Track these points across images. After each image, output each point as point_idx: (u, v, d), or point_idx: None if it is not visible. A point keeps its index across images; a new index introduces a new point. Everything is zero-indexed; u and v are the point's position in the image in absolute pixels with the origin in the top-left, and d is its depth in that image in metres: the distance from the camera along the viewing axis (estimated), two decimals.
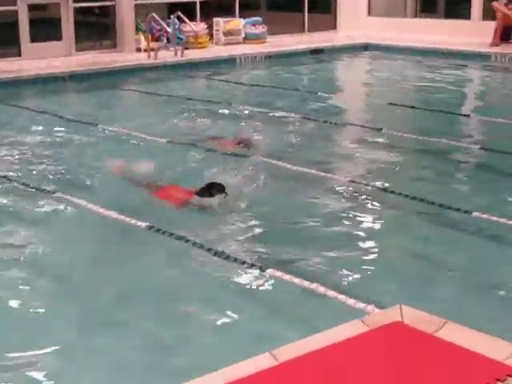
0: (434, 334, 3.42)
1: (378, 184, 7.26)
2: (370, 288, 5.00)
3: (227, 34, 17.64)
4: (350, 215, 6.46)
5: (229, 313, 4.71)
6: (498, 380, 3.02)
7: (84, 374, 4.04)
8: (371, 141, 9.22)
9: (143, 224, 6.09)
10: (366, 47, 18.07)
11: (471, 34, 17.61)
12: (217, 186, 6.51)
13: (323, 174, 7.58)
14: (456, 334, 3.44)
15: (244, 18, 18.15)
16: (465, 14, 18.65)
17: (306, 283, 4.95)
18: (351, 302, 4.66)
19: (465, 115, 10.95)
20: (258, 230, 6.11)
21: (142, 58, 15.40)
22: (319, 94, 12.61)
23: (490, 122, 10.42)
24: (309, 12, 19.86)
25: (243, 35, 17.85)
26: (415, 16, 20.55)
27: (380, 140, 9.24)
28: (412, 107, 11.32)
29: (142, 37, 16.16)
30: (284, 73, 15.44)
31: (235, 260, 5.40)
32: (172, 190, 6.87)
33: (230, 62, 15.96)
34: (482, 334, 3.47)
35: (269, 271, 5.19)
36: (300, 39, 18.73)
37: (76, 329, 4.52)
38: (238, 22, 17.84)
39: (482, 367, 3.14)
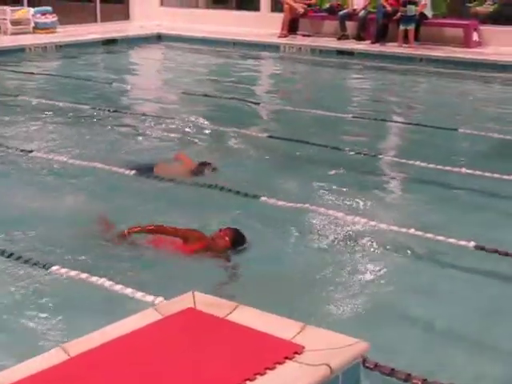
0: (226, 318, 3.48)
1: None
2: (158, 281, 5.00)
3: (15, 23, 16.99)
4: (139, 209, 6.37)
5: (17, 311, 4.58)
6: (287, 358, 3.12)
7: None
8: (163, 131, 9.22)
9: None
10: (159, 37, 18.06)
11: (261, 25, 18.09)
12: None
13: (108, 167, 7.45)
14: (247, 316, 3.51)
15: (33, 6, 17.56)
16: (255, 7, 19.13)
17: (93, 279, 4.89)
18: (139, 295, 4.65)
19: (255, 103, 11.22)
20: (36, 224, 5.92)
21: None
22: (113, 84, 12.45)
23: (278, 110, 10.75)
24: (101, 2, 19.55)
25: (33, 24, 17.27)
26: (207, 7, 20.80)
27: (173, 130, 9.25)
28: (205, 95, 11.45)
29: None
30: (76, 64, 15.07)
31: (18, 258, 5.26)
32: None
33: (19, 52, 15.35)
34: (272, 315, 3.56)
35: (54, 268, 5.07)
36: (92, 29, 18.38)
37: None
38: (26, 11, 17.24)
39: (272, 347, 3.23)
